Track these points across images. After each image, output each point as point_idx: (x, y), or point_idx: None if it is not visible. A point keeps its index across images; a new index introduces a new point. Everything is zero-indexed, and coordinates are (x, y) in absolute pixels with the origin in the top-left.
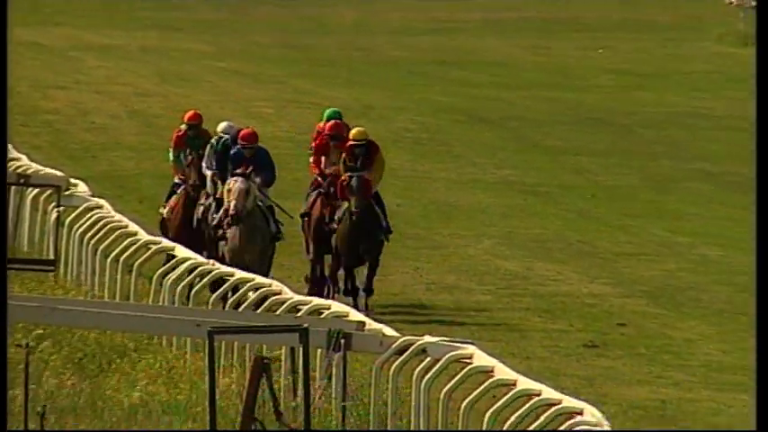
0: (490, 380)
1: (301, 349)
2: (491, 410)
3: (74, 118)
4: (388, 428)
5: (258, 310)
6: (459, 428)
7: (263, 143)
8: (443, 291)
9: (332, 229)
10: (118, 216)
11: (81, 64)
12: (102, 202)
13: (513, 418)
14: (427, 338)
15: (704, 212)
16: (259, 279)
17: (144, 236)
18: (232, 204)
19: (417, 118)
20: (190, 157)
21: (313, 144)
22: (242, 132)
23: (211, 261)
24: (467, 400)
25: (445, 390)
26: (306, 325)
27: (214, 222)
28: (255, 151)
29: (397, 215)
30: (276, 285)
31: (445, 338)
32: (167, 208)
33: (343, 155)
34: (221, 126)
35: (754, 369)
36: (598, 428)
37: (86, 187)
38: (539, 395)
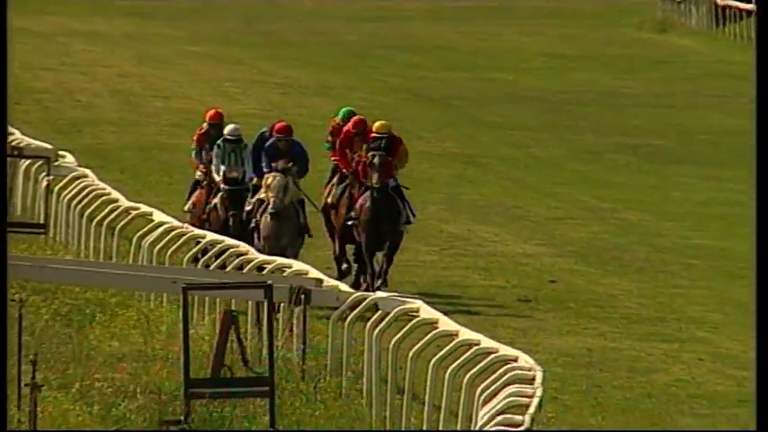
0: (435, 331)
1: (266, 303)
2: (435, 358)
3: (61, 96)
4: (343, 374)
5: (227, 269)
6: (407, 374)
7: (231, 121)
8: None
9: (352, 220)
10: (101, 184)
11: (68, 48)
12: (87, 171)
13: (454, 365)
14: (378, 294)
15: (625, 181)
16: (228, 241)
17: (125, 202)
18: (272, 201)
19: (370, 96)
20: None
21: (330, 138)
22: (277, 126)
23: (185, 225)
24: (414, 349)
25: (394, 340)
26: (269, 282)
27: (252, 223)
28: (291, 144)
29: None
30: (243, 246)
31: (395, 294)
32: (189, 203)
33: (365, 147)
34: (228, 128)
35: (669, 320)
36: (531, 373)
37: (73, 158)
38: (478, 344)
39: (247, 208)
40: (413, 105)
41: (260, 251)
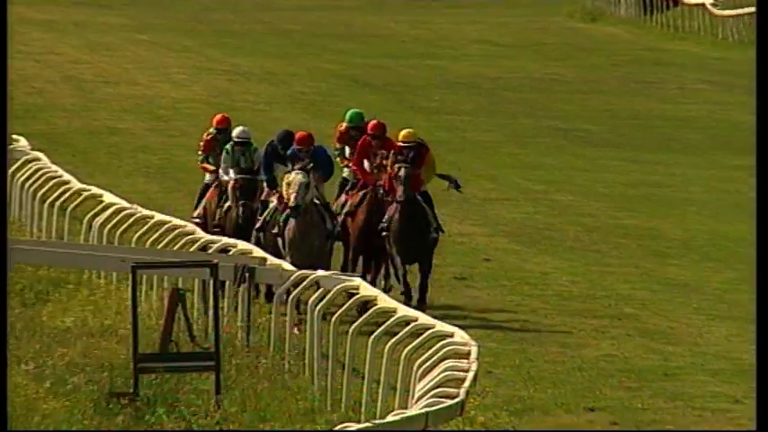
0: (374, 308)
1: (211, 282)
2: (375, 334)
3: (16, 83)
4: (286, 349)
5: (174, 248)
6: (347, 349)
7: (178, 107)
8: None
9: (382, 233)
10: (54, 167)
11: (23, 36)
12: (40, 155)
13: (393, 340)
14: (320, 272)
15: (557, 163)
16: (176, 221)
17: (76, 184)
18: (292, 197)
19: (311, 83)
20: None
21: (338, 144)
22: (297, 136)
23: (135, 206)
24: (353, 326)
25: (335, 317)
26: (215, 261)
27: (258, 225)
28: (312, 152)
29: None
30: (190, 227)
31: (336, 272)
32: (199, 210)
33: (392, 154)
34: (237, 131)
35: (599, 297)
36: (466, 348)
37: (27, 142)
38: (416, 321)
39: (263, 217)
40: (352, 91)
41: (280, 256)
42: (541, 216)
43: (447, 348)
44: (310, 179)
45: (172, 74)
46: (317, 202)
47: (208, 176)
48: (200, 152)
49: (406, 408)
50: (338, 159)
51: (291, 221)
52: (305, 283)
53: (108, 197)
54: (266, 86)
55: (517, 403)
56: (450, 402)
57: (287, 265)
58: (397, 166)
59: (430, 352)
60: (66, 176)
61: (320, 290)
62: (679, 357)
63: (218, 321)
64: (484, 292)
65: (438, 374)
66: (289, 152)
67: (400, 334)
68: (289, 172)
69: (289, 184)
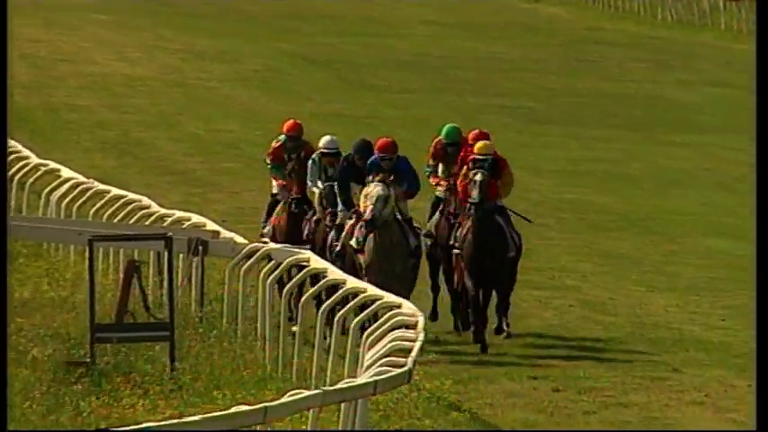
0: (324, 280)
1: (166, 254)
2: (325, 305)
3: None
4: (239, 319)
5: (130, 222)
6: (298, 320)
7: (133, 84)
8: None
9: (457, 250)
10: (12, 142)
11: None
12: None
13: (342, 311)
14: (271, 245)
15: (501, 140)
16: (131, 195)
17: (35, 159)
18: (368, 209)
19: (263, 61)
20: (289, 168)
21: (431, 162)
22: (379, 143)
23: (91, 180)
24: (304, 297)
25: (286, 288)
26: (170, 233)
27: (337, 249)
28: (395, 163)
29: (243, 143)
30: (146, 201)
31: (286, 245)
32: (269, 226)
33: (465, 168)
34: (324, 140)
35: (543, 269)
36: (413, 318)
37: None
38: (364, 292)
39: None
40: (303, 69)
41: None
42: None
43: (395, 319)
44: (390, 192)
45: (127, 52)
46: (399, 217)
47: (275, 188)
48: (267, 160)
49: (355, 376)
50: (430, 179)
51: (370, 242)
52: (257, 255)
53: (65, 172)
54: (218, 65)
55: (463, 372)
56: (397, 371)
57: (239, 239)
58: (473, 171)
59: (379, 322)
60: (25, 152)
61: (272, 262)
62: (619, 328)
63: (173, 292)
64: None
65: (386, 344)
66: (369, 161)
67: (350, 305)
68: (367, 184)
69: (366, 196)
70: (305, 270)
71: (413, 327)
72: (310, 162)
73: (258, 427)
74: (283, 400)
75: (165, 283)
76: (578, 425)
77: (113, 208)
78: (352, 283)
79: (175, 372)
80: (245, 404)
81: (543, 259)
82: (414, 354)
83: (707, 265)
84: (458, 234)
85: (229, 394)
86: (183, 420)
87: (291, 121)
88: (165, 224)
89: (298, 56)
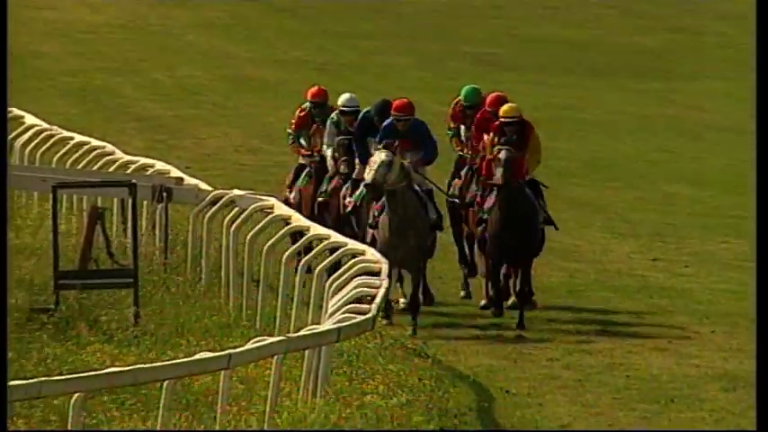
0: (288, 227)
1: (130, 201)
2: (288, 252)
3: None
4: (203, 266)
5: (94, 168)
6: (262, 266)
7: (97, 31)
8: (249, 152)
9: (482, 222)
10: None
11: None
12: None
13: (307, 257)
14: (236, 192)
15: (463, 86)
16: (95, 142)
17: None
18: (369, 175)
19: (228, 7)
20: (313, 131)
21: (452, 124)
22: (396, 103)
23: (55, 127)
24: (268, 244)
25: (250, 234)
26: (133, 180)
27: (348, 208)
28: (411, 125)
29: (206, 89)
30: (109, 147)
31: (251, 192)
32: (293, 192)
33: (491, 134)
34: (344, 98)
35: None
36: (377, 265)
37: None
38: (328, 239)
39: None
40: (268, 16)
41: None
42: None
43: (359, 266)
44: (395, 158)
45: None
46: (418, 188)
47: (302, 159)
48: (290, 129)
49: (319, 323)
50: (452, 141)
51: (384, 219)
52: (221, 201)
53: (29, 119)
54: (182, 11)
55: (426, 319)
56: (361, 318)
57: (203, 185)
58: (497, 148)
59: (342, 269)
60: None
61: (236, 209)
62: (583, 275)
63: (137, 239)
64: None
65: (350, 291)
66: (384, 124)
67: (314, 252)
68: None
69: (369, 164)
70: (270, 216)
71: (376, 273)
72: (329, 122)
73: (222, 373)
74: (247, 346)
75: (129, 230)
76: (541, 370)
77: (77, 154)
78: (316, 229)
79: (139, 318)
80: (210, 351)
81: None
82: (378, 300)
83: (670, 212)
84: (485, 206)
85: (193, 341)
86: (147, 366)
87: (316, 88)
88: (128, 171)
89: (260, 3)
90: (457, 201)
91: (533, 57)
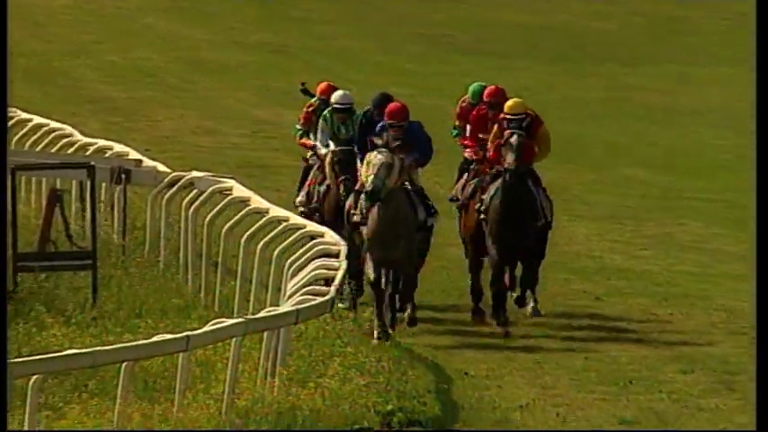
0: (247, 208)
1: (89, 183)
2: (247, 233)
3: None
4: (161, 248)
5: (53, 150)
6: (221, 248)
7: (55, 13)
8: (206, 134)
9: (481, 213)
10: None
11: None
12: None
13: (266, 239)
14: (194, 173)
15: (424, 70)
16: (54, 124)
17: None
18: (370, 179)
19: None
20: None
21: (458, 122)
22: (389, 108)
23: (14, 109)
24: (227, 226)
25: (209, 217)
26: (92, 162)
27: (355, 218)
28: (405, 130)
29: (162, 71)
30: (68, 129)
31: (209, 173)
32: (303, 192)
33: (495, 128)
34: (337, 95)
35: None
36: (336, 247)
37: None
38: (287, 221)
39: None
40: None
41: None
42: None
43: (318, 248)
44: (395, 160)
45: None
46: (409, 187)
47: (310, 155)
48: (298, 125)
49: (277, 305)
50: (457, 140)
51: (373, 212)
52: (180, 183)
53: None
54: None
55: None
56: (320, 300)
57: (161, 167)
58: (508, 132)
59: (301, 251)
60: None
61: (194, 191)
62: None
63: (95, 221)
64: None
65: (309, 273)
66: (378, 127)
67: (272, 233)
68: (372, 150)
69: (368, 164)
70: (228, 198)
71: (335, 255)
72: (321, 120)
73: (180, 355)
74: (206, 328)
75: (88, 212)
76: (500, 352)
77: (36, 136)
78: (275, 211)
79: (98, 300)
80: (168, 333)
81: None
82: (336, 283)
83: (628, 195)
84: (484, 197)
85: (152, 323)
86: (105, 348)
87: (325, 84)
88: (87, 153)
89: None
90: (457, 202)
91: (493, 41)
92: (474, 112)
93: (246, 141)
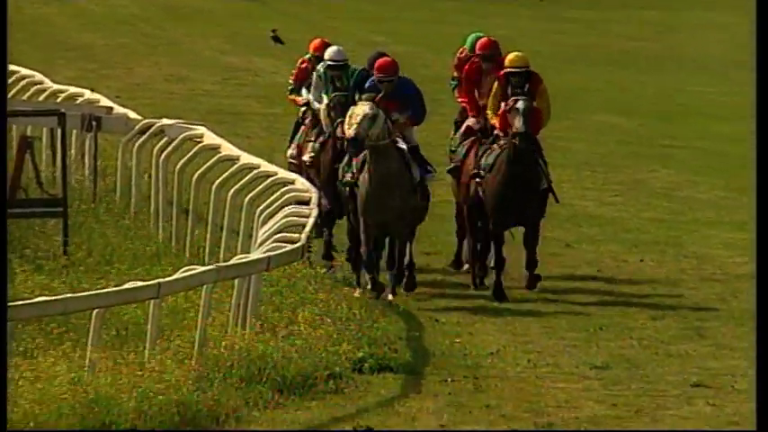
0: (217, 156)
1: (59, 130)
2: (218, 181)
3: None
4: (132, 196)
5: (23, 98)
6: (191, 196)
7: None
8: (179, 81)
9: (479, 177)
10: None
11: None
12: None
13: (237, 186)
14: (165, 121)
15: (398, 15)
16: (24, 71)
17: None
18: (352, 129)
19: None
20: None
21: (455, 74)
22: (378, 63)
23: None
24: (198, 173)
25: (180, 164)
26: (63, 110)
27: (348, 177)
28: (395, 85)
29: (136, 19)
30: (39, 76)
31: (180, 121)
32: (292, 148)
33: (495, 85)
34: (331, 51)
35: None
36: (307, 194)
37: None
38: (258, 168)
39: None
40: None
41: (359, 223)
42: None
43: (288, 195)
44: (378, 112)
45: None
46: (402, 145)
47: (302, 110)
48: (290, 80)
49: (248, 252)
50: (455, 92)
51: (365, 174)
52: (151, 130)
53: None
54: None
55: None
56: (291, 247)
57: (132, 114)
58: (513, 98)
59: (272, 198)
60: None
61: (165, 138)
62: None
63: (66, 168)
64: None
65: (280, 220)
66: (367, 84)
67: (243, 181)
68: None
69: (351, 117)
70: (199, 145)
71: (306, 203)
72: (315, 75)
73: (152, 302)
74: (177, 275)
75: (59, 160)
76: (471, 300)
77: (7, 84)
78: (245, 158)
79: (69, 248)
80: (139, 280)
81: (433, 140)
82: (307, 229)
83: (599, 141)
84: (482, 162)
85: (123, 270)
86: (76, 295)
87: (318, 40)
88: (58, 100)
89: None
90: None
91: None
92: (467, 66)
93: (218, 88)
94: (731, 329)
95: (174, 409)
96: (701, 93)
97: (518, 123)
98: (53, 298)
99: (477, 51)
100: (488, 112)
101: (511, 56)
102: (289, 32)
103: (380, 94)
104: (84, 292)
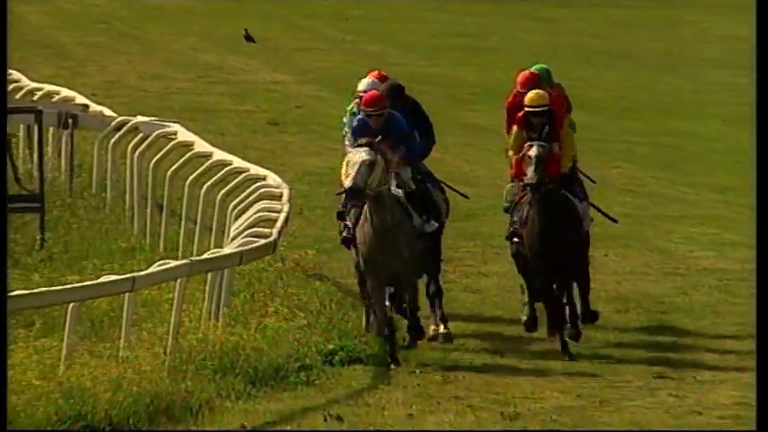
0: (191, 152)
1: (36, 127)
2: (191, 177)
3: None
4: (108, 192)
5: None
6: (165, 191)
7: None
8: (154, 79)
9: (515, 237)
10: None
11: None
12: None
13: (209, 183)
14: (140, 118)
15: (366, 14)
16: None
17: None
18: (349, 178)
19: None
20: None
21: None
22: (365, 97)
23: None
24: (171, 169)
25: (154, 160)
26: (39, 107)
27: (344, 232)
28: (386, 119)
29: (111, 17)
30: (16, 74)
31: (155, 118)
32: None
33: (515, 128)
34: (363, 84)
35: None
36: (278, 190)
37: None
38: (230, 164)
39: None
40: None
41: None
42: (350, 65)
43: (261, 191)
44: (378, 158)
45: None
46: (398, 192)
47: None
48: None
49: (221, 247)
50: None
51: (366, 226)
52: (126, 127)
53: None
54: None
55: (326, 242)
56: (263, 242)
57: (108, 111)
58: (528, 144)
59: (244, 194)
60: None
61: (140, 135)
62: (480, 199)
63: (43, 165)
64: (296, 137)
65: (252, 215)
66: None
67: (216, 177)
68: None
69: (348, 165)
70: (173, 142)
71: (278, 198)
72: (348, 115)
73: (126, 296)
74: (151, 269)
75: (36, 156)
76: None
77: None
78: (218, 154)
79: (45, 242)
80: (114, 274)
81: None
82: (279, 224)
83: None
84: (515, 218)
85: (98, 264)
86: (52, 289)
87: (376, 72)
88: (35, 98)
89: None
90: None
91: None
92: (509, 101)
93: (192, 86)
94: (693, 322)
95: (147, 399)
96: (665, 90)
97: (530, 173)
98: (29, 291)
99: (520, 88)
100: (510, 154)
101: (531, 94)
102: (261, 32)
103: (378, 138)
104: (60, 285)
